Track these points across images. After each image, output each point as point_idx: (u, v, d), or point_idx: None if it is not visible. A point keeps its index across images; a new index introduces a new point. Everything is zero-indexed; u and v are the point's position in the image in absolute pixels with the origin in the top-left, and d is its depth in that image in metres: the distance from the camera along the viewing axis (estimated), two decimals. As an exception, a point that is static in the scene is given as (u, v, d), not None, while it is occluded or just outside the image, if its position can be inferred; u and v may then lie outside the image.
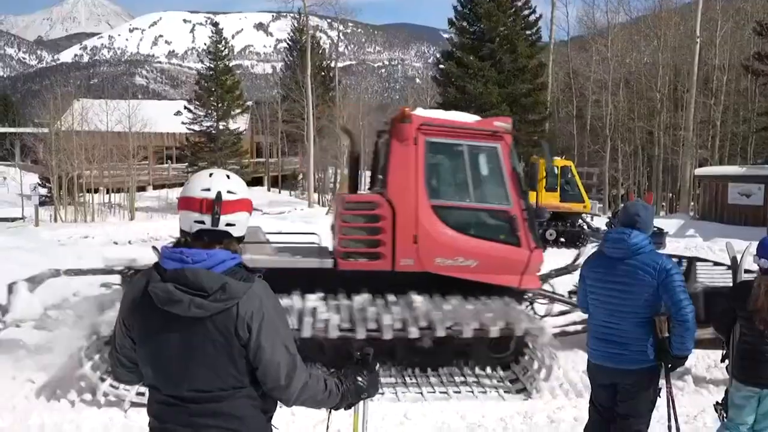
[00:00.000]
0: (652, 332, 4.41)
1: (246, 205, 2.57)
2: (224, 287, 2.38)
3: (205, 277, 2.38)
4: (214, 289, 2.37)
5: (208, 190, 2.49)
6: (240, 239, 2.57)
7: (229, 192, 2.50)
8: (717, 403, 5.26)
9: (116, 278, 8.71)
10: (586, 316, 5.03)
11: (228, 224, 2.50)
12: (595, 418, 4.81)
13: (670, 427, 4.78)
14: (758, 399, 4.75)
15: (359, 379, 2.80)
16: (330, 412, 2.83)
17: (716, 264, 8.80)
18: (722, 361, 5.25)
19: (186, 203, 2.52)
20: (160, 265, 2.47)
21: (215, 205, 2.47)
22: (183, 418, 2.47)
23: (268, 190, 55.34)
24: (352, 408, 2.93)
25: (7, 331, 8.21)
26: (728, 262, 8.10)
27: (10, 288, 8.31)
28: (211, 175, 2.56)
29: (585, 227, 23.54)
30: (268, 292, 2.52)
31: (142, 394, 6.50)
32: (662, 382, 4.65)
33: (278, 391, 2.52)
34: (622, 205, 4.48)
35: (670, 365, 4.50)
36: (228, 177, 2.57)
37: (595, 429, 4.82)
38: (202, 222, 2.48)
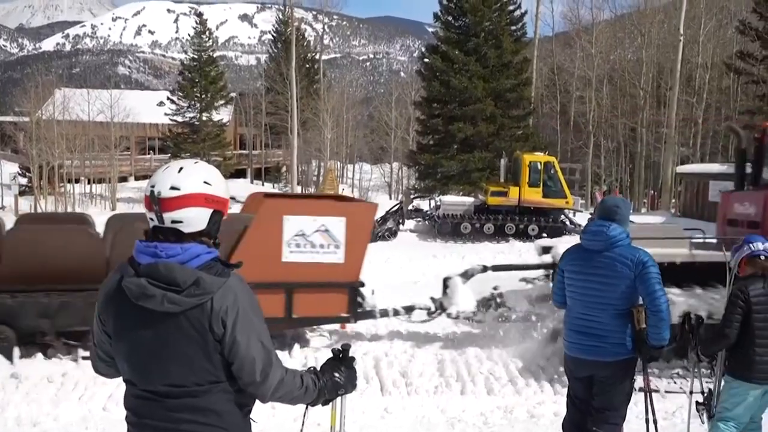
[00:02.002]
0: (630, 324, 4.44)
1: (196, 200, 2.41)
2: (198, 282, 2.33)
3: (179, 271, 2.33)
4: (188, 284, 2.32)
5: (153, 186, 2.41)
6: (206, 234, 2.47)
7: (172, 188, 2.38)
8: (698, 403, 5.22)
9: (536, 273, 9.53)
10: None
11: (174, 221, 2.40)
12: (573, 411, 4.83)
13: (647, 420, 4.82)
14: (760, 396, 4.78)
15: (336, 374, 2.75)
16: (307, 407, 2.79)
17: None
18: (709, 360, 5.23)
19: (144, 199, 2.47)
20: (134, 259, 2.41)
21: (153, 203, 2.40)
22: (159, 412, 2.43)
23: (252, 182, 55.15)
24: (330, 403, 2.90)
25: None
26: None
27: (446, 282, 8.91)
28: (167, 168, 2.46)
29: (567, 223, 23.66)
30: (244, 287, 2.47)
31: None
32: (639, 378, 4.68)
33: (254, 387, 2.48)
34: (600, 199, 4.62)
35: (648, 356, 4.55)
36: (180, 170, 2.43)
37: (573, 422, 4.83)
38: (153, 219, 2.43)
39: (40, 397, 6.82)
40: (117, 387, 6.98)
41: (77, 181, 42.38)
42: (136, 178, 51.37)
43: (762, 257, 4.82)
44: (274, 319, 7.95)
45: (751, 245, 4.85)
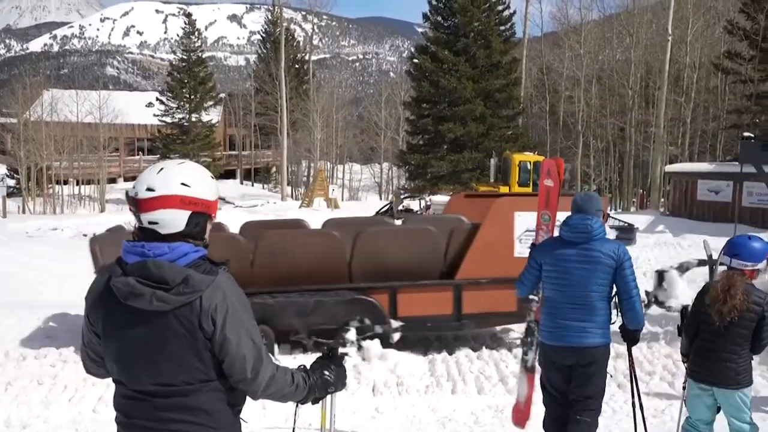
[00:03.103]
0: (609, 313, 4.73)
1: (171, 202, 2.38)
2: (187, 280, 2.33)
3: (168, 269, 2.33)
4: (177, 282, 2.32)
5: (134, 186, 2.42)
6: (188, 235, 2.45)
7: (148, 189, 2.37)
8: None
9: None
10: None
11: (150, 222, 2.39)
12: (553, 407, 4.95)
13: (634, 404, 5.13)
14: (712, 396, 4.78)
15: (326, 373, 2.76)
16: (297, 406, 2.80)
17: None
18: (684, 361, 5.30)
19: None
20: (122, 259, 2.41)
21: (131, 204, 2.41)
22: (149, 412, 2.42)
23: (241, 183, 55.09)
24: (320, 402, 2.92)
25: None
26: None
27: (661, 275, 8.95)
28: (150, 170, 2.46)
29: (557, 222, 23.72)
30: (233, 285, 2.46)
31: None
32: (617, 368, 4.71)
33: (245, 384, 2.48)
34: (576, 194, 4.91)
35: (631, 340, 4.91)
36: (159, 171, 2.43)
37: (555, 418, 4.92)
38: (135, 218, 2.44)
39: (30, 400, 6.79)
40: (107, 389, 6.95)
41: (66, 182, 42.20)
42: (125, 180, 51.11)
43: (731, 270, 4.73)
44: (506, 314, 8.47)
45: (726, 255, 4.78)
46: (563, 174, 5.97)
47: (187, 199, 2.41)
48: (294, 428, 3.13)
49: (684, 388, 5.20)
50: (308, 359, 7.54)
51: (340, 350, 2.93)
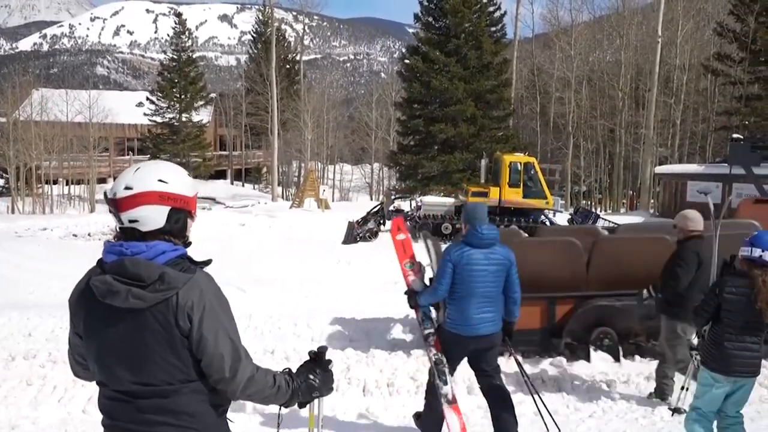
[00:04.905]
0: (503, 305, 5.71)
1: (150, 198, 2.41)
2: (162, 277, 2.34)
3: (144, 267, 2.34)
4: (153, 279, 2.33)
5: (112, 188, 2.45)
6: (167, 232, 2.47)
7: (126, 188, 2.41)
8: (674, 409, 6.57)
9: None
10: None
11: (130, 221, 2.42)
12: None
13: (525, 382, 6.21)
14: (728, 387, 4.99)
15: (311, 377, 2.76)
16: (280, 408, 2.78)
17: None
18: (694, 349, 5.85)
19: None
20: (101, 259, 2.44)
21: (110, 204, 2.45)
22: (132, 414, 2.42)
23: (232, 183, 54.99)
24: (307, 406, 2.91)
25: None
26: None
27: None
28: (127, 170, 2.50)
29: (547, 223, 23.75)
30: (211, 283, 2.47)
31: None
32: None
33: (224, 383, 2.47)
34: (465, 206, 5.86)
35: (509, 334, 5.85)
36: (136, 170, 2.46)
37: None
38: (116, 220, 2.46)
39: (19, 400, 6.75)
40: (96, 390, 6.93)
41: (55, 182, 42.01)
42: (115, 180, 50.94)
43: (758, 264, 4.87)
44: None
45: (752, 249, 4.92)
46: (406, 230, 6.49)
47: (165, 195, 2.44)
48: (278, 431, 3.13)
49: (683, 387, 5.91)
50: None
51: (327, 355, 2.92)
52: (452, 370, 5.83)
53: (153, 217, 2.42)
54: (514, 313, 5.78)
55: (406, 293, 6.06)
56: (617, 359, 7.96)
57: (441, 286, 5.63)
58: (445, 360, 5.77)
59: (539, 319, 8.18)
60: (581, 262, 8.13)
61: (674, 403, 6.73)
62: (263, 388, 2.56)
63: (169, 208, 2.45)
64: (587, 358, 7.85)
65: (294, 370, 2.77)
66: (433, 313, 6.22)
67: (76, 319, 2.52)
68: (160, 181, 2.44)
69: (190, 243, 2.56)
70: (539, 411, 6.09)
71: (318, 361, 2.85)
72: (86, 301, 2.45)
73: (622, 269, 8.03)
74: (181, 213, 2.50)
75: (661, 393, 7.02)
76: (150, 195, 2.41)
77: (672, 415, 6.59)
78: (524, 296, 6.93)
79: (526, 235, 10.92)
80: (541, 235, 10.00)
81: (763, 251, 4.84)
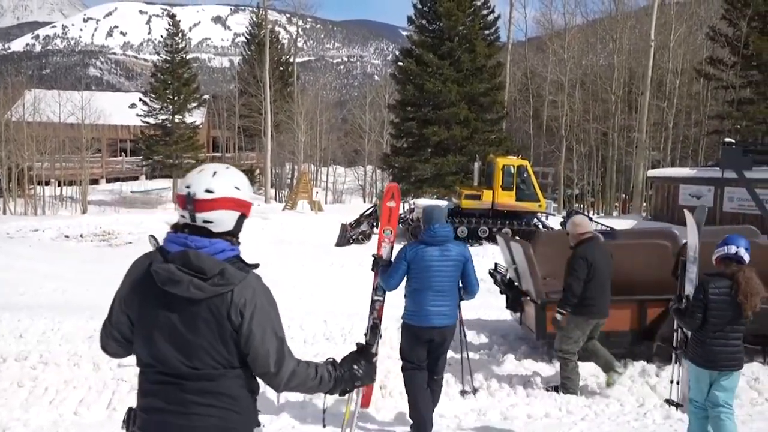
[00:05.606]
0: (459, 298, 6.15)
1: (228, 204, 2.61)
2: (223, 272, 2.52)
3: (207, 261, 2.52)
4: (214, 273, 2.51)
5: (188, 187, 2.60)
6: (230, 234, 2.67)
7: (206, 191, 2.58)
8: (666, 400, 6.84)
9: None
10: None
11: (205, 221, 2.60)
12: (419, 374, 6.11)
13: (463, 359, 7.16)
14: (711, 382, 5.29)
15: (355, 367, 2.94)
16: (325, 395, 2.97)
17: None
18: (677, 348, 6.34)
19: (177, 197, 2.67)
20: (164, 247, 2.60)
21: (187, 203, 2.59)
22: (175, 395, 2.57)
23: (224, 185, 54.84)
24: (346, 394, 3.12)
25: None
26: None
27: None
28: (201, 171, 2.66)
29: (540, 226, 23.79)
30: (262, 284, 2.66)
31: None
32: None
33: (268, 378, 2.65)
34: (424, 208, 6.12)
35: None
36: (214, 174, 2.63)
37: (421, 382, 6.09)
38: (184, 216, 2.62)
39: (10, 402, 6.72)
40: (88, 391, 6.91)
41: (47, 183, 41.87)
42: (108, 181, 50.87)
43: (734, 261, 5.19)
44: None
45: (726, 247, 5.24)
46: (399, 198, 6.81)
47: (239, 201, 2.67)
48: (324, 417, 3.46)
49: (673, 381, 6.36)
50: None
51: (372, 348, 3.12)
52: (417, 363, 6.10)
53: (226, 220, 2.64)
54: (469, 299, 6.30)
55: (373, 255, 6.43)
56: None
57: (392, 280, 6.09)
58: (379, 326, 6.38)
59: (629, 322, 8.10)
60: (672, 264, 8.08)
61: (659, 389, 7.15)
62: (305, 380, 2.73)
63: (239, 214, 2.68)
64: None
65: (339, 360, 2.95)
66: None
67: (129, 300, 2.66)
68: (236, 188, 2.66)
69: (240, 243, 2.74)
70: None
71: (363, 353, 3.03)
72: (143, 286, 2.60)
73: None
74: (244, 218, 2.73)
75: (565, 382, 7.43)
76: (228, 201, 2.62)
77: (668, 406, 6.84)
78: (614, 298, 7.19)
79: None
80: (629, 238, 9.87)
81: (738, 248, 5.17)
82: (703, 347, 5.27)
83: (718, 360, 5.22)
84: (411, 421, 6.12)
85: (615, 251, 7.77)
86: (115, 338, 2.75)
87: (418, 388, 6.07)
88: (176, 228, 2.66)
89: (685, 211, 7.16)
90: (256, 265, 2.69)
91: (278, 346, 2.62)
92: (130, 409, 2.71)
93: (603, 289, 7.15)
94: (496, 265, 10.25)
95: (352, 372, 2.92)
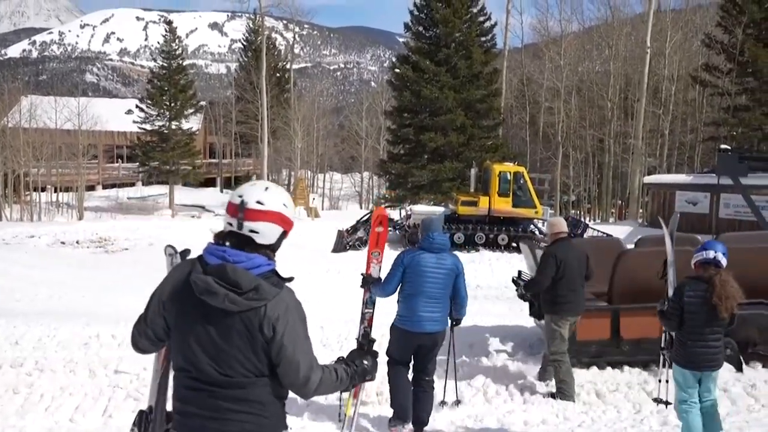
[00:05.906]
0: (449, 306, 6.33)
1: (274, 218, 2.75)
2: (257, 288, 2.64)
3: (243, 276, 2.64)
4: (248, 288, 2.63)
5: (241, 196, 2.74)
6: (270, 248, 2.79)
7: (258, 202, 2.72)
8: (654, 398, 7.13)
9: None
10: None
11: (251, 231, 2.73)
12: (404, 375, 6.37)
13: (449, 360, 7.09)
14: (699, 379, 5.53)
15: (365, 362, 3.15)
16: (341, 393, 3.26)
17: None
18: (664, 348, 6.66)
19: (227, 205, 2.81)
20: (203, 258, 2.73)
21: (239, 211, 2.72)
22: (207, 401, 2.71)
23: (221, 191, 54.86)
24: (350, 390, 3.33)
25: None
26: None
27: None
28: (254, 184, 2.83)
29: (536, 232, 23.80)
30: (294, 299, 2.79)
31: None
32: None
33: (296, 388, 2.81)
34: (423, 219, 6.62)
35: (455, 324, 6.64)
36: (266, 189, 2.79)
37: (402, 371, 6.37)
38: (231, 224, 2.75)
39: (5, 409, 6.70)
40: (84, 398, 6.89)
41: (44, 189, 41.79)
42: (104, 187, 50.81)
43: (712, 264, 5.39)
44: None
45: (705, 252, 5.44)
46: (387, 224, 6.89)
47: (284, 218, 2.81)
48: (340, 411, 3.98)
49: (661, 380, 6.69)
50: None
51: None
52: (401, 361, 6.34)
53: (270, 233, 2.77)
54: (461, 312, 6.52)
55: (362, 275, 6.51)
56: (739, 369, 8.13)
57: (389, 286, 6.28)
58: (371, 335, 6.27)
59: (659, 329, 8.11)
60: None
61: (655, 393, 7.22)
62: (330, 385, 2.91)
63: (283, 230, 2.82)
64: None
65: (346, 357, 3.15)
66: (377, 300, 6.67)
67: (168, 305, 2.79)
68: (284, 205, 2.81)
69: (275, 259, 2.86)
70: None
71: (368, 348, 3.28)
72: (182, 293, 2.73)
73: (748, 279, 8.01)
74: (286, 235, 2.86)
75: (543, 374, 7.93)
76: (276, 215, 2.77)
77: (657, 405, 7.07)
78: (644, 306, 7.37)
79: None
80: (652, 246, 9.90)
81: (716, 253, 5.38)
82: (684, 348, 5.50)
83: (699, 361, 5.45)
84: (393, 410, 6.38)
85: (649, 259, 7.84)
86: (149, 337, 2.89)
87: (399, 377, 6.34)
88: (219, 236, 2.79)
89: (660, 219, 7.38)
90: (291, 279, 2.80)
91: (307, 359, 2.76)
92: (141, 412, 2.78)
93: (574, 287, 7.44)
94: (519, 272, 10.26)
95: (363, 367, 3.13)
